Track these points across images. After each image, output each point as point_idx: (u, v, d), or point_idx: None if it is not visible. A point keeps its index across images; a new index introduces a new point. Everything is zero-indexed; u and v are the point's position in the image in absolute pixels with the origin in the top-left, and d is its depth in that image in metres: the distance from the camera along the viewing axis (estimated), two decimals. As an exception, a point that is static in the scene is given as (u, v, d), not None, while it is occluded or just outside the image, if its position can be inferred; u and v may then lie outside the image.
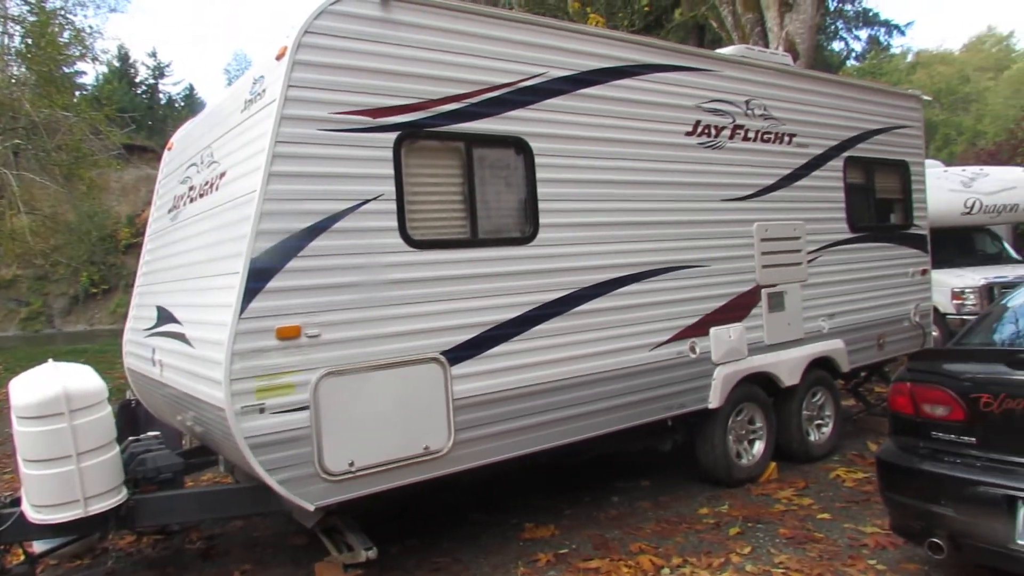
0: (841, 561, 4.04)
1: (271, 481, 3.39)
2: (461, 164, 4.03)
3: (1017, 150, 17.40)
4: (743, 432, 5.49)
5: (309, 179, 3.52)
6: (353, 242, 3.63)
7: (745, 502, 5.08)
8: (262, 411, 3.36)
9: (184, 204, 4.72)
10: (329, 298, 3.56)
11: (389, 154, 3.75)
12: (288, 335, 3.42)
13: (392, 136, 3.76)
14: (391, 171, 3.75)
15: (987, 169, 12.49)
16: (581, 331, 4.43)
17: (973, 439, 3.41)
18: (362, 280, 3.66)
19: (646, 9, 14.34)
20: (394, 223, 3.75)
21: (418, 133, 3.85)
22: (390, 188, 3.74)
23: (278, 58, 3.55)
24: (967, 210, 11.09)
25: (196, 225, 4.32)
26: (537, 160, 4.27)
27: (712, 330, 5.13)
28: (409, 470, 3.80)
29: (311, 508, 3.51)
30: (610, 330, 4.56)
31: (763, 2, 10.36)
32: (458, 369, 3.93)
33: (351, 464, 3.59)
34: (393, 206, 3.75)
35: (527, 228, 4.25)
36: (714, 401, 5.12)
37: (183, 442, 5.41)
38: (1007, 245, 12.15)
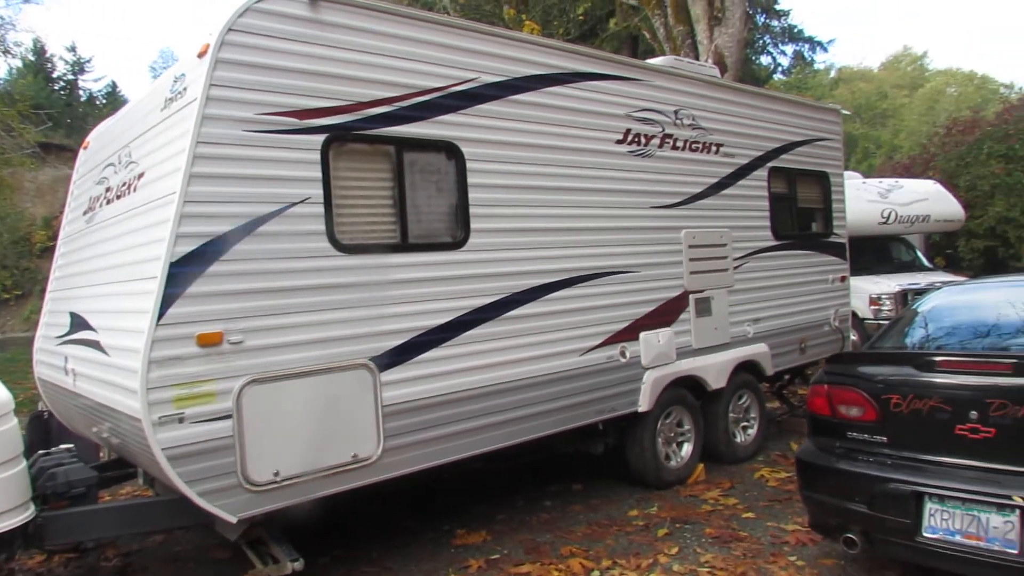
0: (764, 559, 4.16)
1: (191, 493, 3.27)
2: (391, 168, 4.00)
3: (929, 164, 18.30)
4: (672, 435, 5.59)
5: (232, 181, 3.42)
6: (279, 246, 3.55)
7: (674, 503, 5.17)
8: (181, 421, 3.24)
9: (100, 206, 4.53)
10: (253, 303, 3.47)
11: (317, 156, 3.68)
12: (209, 342, 3.32)
13: (320, 138, 3.70)
14: (318, 174, 3.68)
15: (902, 181, 13.14)
16: (513, 336, 4.44)
17: (884, 438, 3.56)
18: (288, 285, 3.57)
19: (581, 18, 14.55)
20: (322, 227, 3.68)
21: (347, 136, 3.80)
22: (317, 191, 3.68)
23: (200, 56, 3.44)
24: (884, 220, 11.63)
25: (113, 228, 4.15)
26: (469, 165, 4.26)
27: (642, 335, 5.22)
28: (337, 479, 3.73)
29: (234, 520, 3.40)
30: (542, 335, 4.58)
31: (693, 15, 10.64)
32: (388, 375, 3.88)
33: (276, 474, 3.50)
34: (321, 209, 3.68)
35: (458, 233, 4.24)
36: (644, 405, 5.20)
37: (100, 454, 5.17)
38: (920, 253, 12.79)
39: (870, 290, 10.30)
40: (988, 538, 3.10)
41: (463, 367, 4.20)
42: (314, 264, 3.66)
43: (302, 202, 3.62)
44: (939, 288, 4.86)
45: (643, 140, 5.31)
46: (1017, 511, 3.03)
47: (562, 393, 4.69)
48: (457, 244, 4.22)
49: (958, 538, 3.18)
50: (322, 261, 3.69)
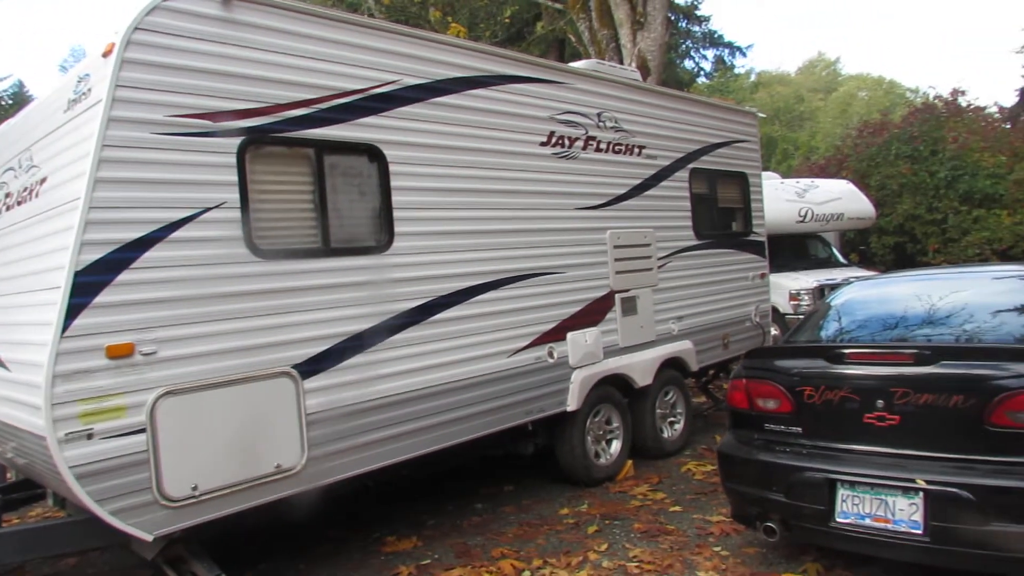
0: (690, 550, 4.26)
1: (102, 512, 3.13)
2: (311, 171, 3.92)
3: (843, 164, 19.12)
4: (601, 432, 5.67)
5: (142, 186, 3.29)
6: (193, 252, 3.43)
7: (603, 500, 5.24)
8: (90, 437, 3.09)
9: None
10: (167, 312, 3.34)
11: (232, 160, 3.58)
12: (119, 353, 3.18)
13: (235, 141, 3.59)
14: (235, 178, 3.58)
15: (817, 181, 13.70)
16: (439, 340, 4.42)
17: (800, 429, 3.70)
18: (204, 292, 3.46)
19: (507, 21, 14.60)
20: (239, 232, 3.58)
21: (264, 139, 3.71)
22: (234, 196, 3.57)
23: (105, 55, 3.30)
24: (801, 218, 12.09)
25: (13, 236, 3.93)
26: (391, 168, 4.22)
27: (569, 335, 5.27)
28: (260, 490, 3.63)
29: (150, 539, 3.27)
30: (469, 338, 4.58)
31: (617, 19, 10.82)
32: (311, 383, 3.80)
33: (194, 488, 3.38)
34: (237, 214, 3.58)
35: (382, 237, 4.19)
36: (572, 404, 5.26)
37: (8, 475, 4.90)
38: (836, 250, 13.36)
39: (789, 286, 10.70)
40: (895, 520, 3.26)
41: (389, 372, 4.16)
42: (231, 271, 3.56)
43: (217, 207, 3.51)
44: (850, 283, 5.08)
45: (567, 142, 5.37)
46: (920, 493, 3.20)
47: (490, 395, 4.70)
48: (381, 248, 4.17)
49: (868, 521, 3.33)
50: (240, 267, 3.59)
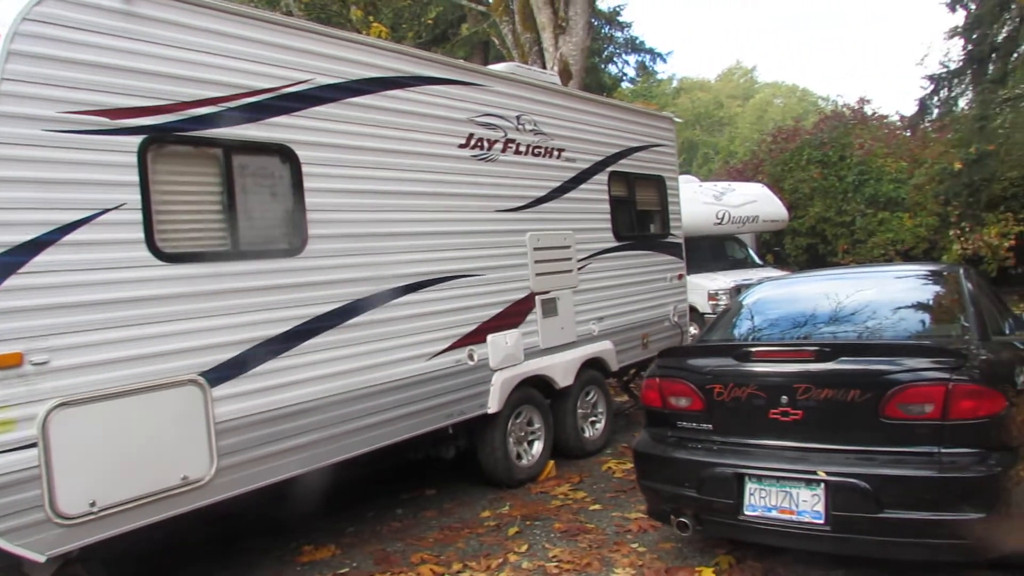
0: (608, 548, 4.32)
1: (-13, 533, 2.94)
2: (219, 172, 3.79)
3: (758, 168, 19.85)
4: (522, 434, 5.70)
5: (32, 186, 3.11)
6: (90, 256, 3.26)
7: (525, 501, 5.27)
8: (-27, 453, 2.91)
9: None
10: (61, 319, 3.16)
11: (133, 159, 3.43)
12: (7, 363, 2.99)
13: (136, 140, 3.44)
14: (135, 178, 3.42)
15: (734, 184, 14.16)
16: (356, 344, 4.35)
17: (710, 426, 3.80)
18: (102, 298, 3.30)
19: (430, 22, 14.53)
20: (140, 235, 3.43)
21: (167, 137, 3.56)
22: (135, 197, 3.42)
23: (-11, 48, 3.11)
24: (718, 220, 12.47)
25: None
26: (305, 169, 4.13)
27: (489, 337, 5.28)
28: (166, 503, 3.49)
29: (42, 559, 3.08)
30: (386, 341, 4.52)
31: (539, 23, 10.92)
32: (220, 390, 3.67)
33: (92, 504, 3.22)
34: (139, 216, 3.43)
35: (295, 240, 4.09)
36: (493, 406, 5.26)
37: None
38: (752, 251, 13.83)
39: (708, 286, 11.02)
40: (799, 511, 3.39)
41: (304, 377, 4.06)
42: (132, 275, 3.40)
43: (116, 208, 3.35)
44: (760, 283, 5.27)
45: (486, 145, 5.37)
46: (822, 485, 3.33)
47: (410, 399, 4.65)
48: (294, 251, 4.07)
49: (774, 513, 3.44)
50: (141, 271, 3.43)
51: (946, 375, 3.21)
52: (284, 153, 4.05)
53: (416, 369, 4.71)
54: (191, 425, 3.57)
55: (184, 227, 3.68)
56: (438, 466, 5.83)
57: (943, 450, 3.19)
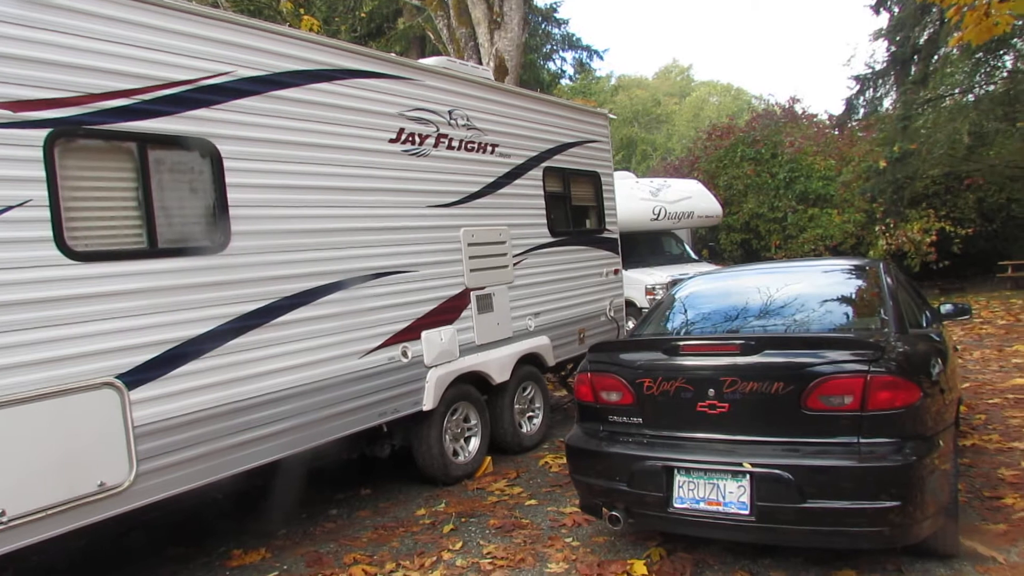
0: (542, 543, 4.32)
1: None
2: (134, 167, 3.62)
3: (694, 165, 20.24)
4: (459, 431, 5.66)
5: (-76, 180, 2.92)
6: (-8, 255, 3.09)
7: (461, 498, 5.24)
8: None
9: None
10: (-40, 322, 2.99)
11: (39, 154, 3.25)
12: (-101, 370, 2.81)
13: (42, 133, 3.26)
14: (42, 173, 3.25)
15: (670, 181, 14.37)
16: (284, 342, 4.24)
17: (640, 419, 3.84)
18: (8, 299, 3.11)
19: (364, 16, 14.29)
20: (48, 233, 3.26)
21: (77, 131, 3.39)
22: (41, 193, 3.24)
23: None
24: (655, 216, 12.64)
25: None
26: (226, 164, 3.99)
27: (424, 334, 5.22)
28: (83, 511, 3.33)
29: (-59, 575, 2.92)
30: (316, 340, 4.42)
31: (474, 18, 10.86)
32: (139, 393, 3.52)
33: (2, 514, 3.05)
34: (46, 213, 3.25)
35: (217, 236, 3.96)
36: (428, 403, 5.21)
37: None
38: (688, 247, 14.09)
39: (645, 281, 11.17)
40: (725, 502, 3.44)
41: (229, 378, 3.93)
42: (40, 275, 3.23)
43: (21, 205, 3.17)
44: (691, 277, 5.35)
45: (418, 139, 5.30)
46: (747, 476, 3.39)
47: (342, 398, 4.56)
48: (216, 248, 3.94)
49: (702, 505, 3.49)
50: (50, 271, 3.26)
51: (864, 367, 3.30)
52: (204, 147, 3.91)
53: (348, 367, 4.62)
54: (108, 429, 3.41)
55: (97, 224, 3.51)
56: (373, 465, 5.75)
57: (862, 440, 3.29)
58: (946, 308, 5.08)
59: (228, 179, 3.98)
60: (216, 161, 3.94)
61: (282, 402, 4.20)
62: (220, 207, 3.96)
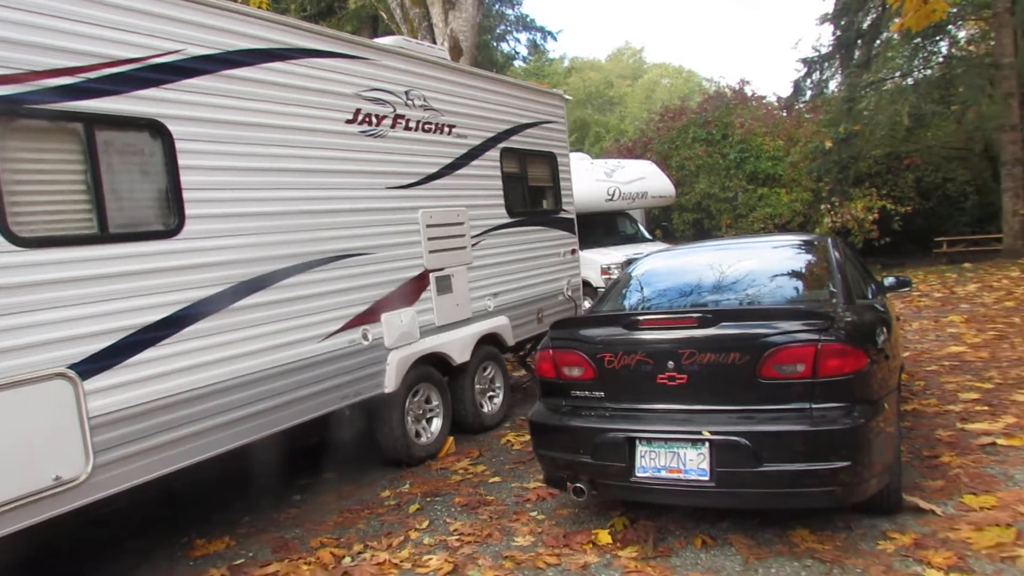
0: (508, 518, 4.38)
1: None
2: (81, 148, 3.51)
3: (647, 146, 20.47)
4: (421, 412, 5.68)
5: None
6: (-67, 241, 2.98)
7: (425, 479, 5.26)
8: None
9: None
10: (-98, 311, 2.88)
11: (-22, 135, 3.14)
12: None
13: (-20, 113, 3.15)
14: (-18, 155, 3.14)
15: (624, 162, 14.52)
16: (243, 327, 4.18)
17: (602, 393, 3.91)
18: (-49, 287, 3.02)
19: (315, -5, 14.03)
20: (-10, 218, 3.15)
21: (18, 110, 3.27)
22: (-18, 175, 3.14)
23: None
24: (610, 197, 12.76)
25: None
26: (179, 145, 3.90)
27: (384, 316, 5.21)
28: (38, 506, 3.25)
29: None
30: (276, 324, 4.37)
31: (427, -2, 10.75)
32: (93, 383, 3.44)
33: (-49, 511, 2.97)
34: (-12, 198, 3.15)
35: (171, 220, 3.87)
36: (390, 385, 5.20)
37: None
38: (642, 227, 14.27)
39: (600, 261, 11.30)
40: (686, 470, 3.55)
41: (188, 365, 3.87)
42: (-15, 261, 3.13)
43: (-38, 189, 3.07)
44: (647, 255, 5.44)
45: (375, 120, 5.25)
46: (706, 444, 3.50)
47: (303, 382, 4.53)
48: (170, 232, 3.85)
49: (663, 473, 3.59)
50: (-5, 257, 3.16)
51: (815, 336, 3.43)
52: (155, 128, 3.81)
53: (308, 351, 4.59)
54: (61, 421, 3.33)
55: (44, 209, 3.40)
56: (336, 449, 5.73)
57: (814, 406, 3.42)
58: (889, 281, 5.28)
59: (181, 161, 3.89)
60: (168, 143, 3.85)
61: (242, 388, 4.15)
62: (173, 190, 3.87)
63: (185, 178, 3.91)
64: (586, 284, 9.93)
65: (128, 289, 3.62)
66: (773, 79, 76.83)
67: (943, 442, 4.85)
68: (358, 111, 5.12)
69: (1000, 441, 4.73)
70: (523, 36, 23.65)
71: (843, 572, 3.29)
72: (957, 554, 3.30)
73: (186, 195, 3.92)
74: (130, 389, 3.60)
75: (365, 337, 5.04)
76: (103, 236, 3.55)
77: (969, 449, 4.65)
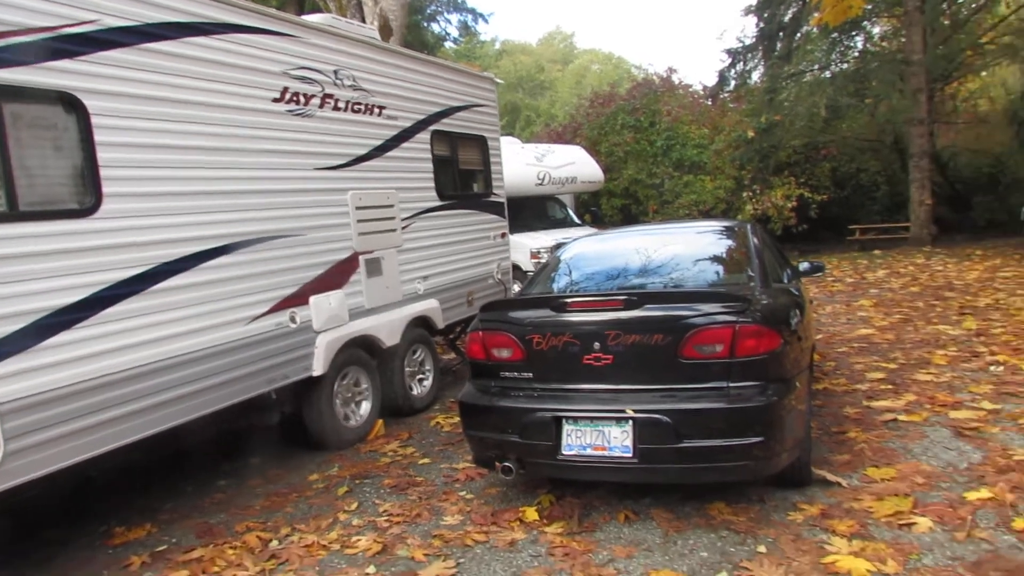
0: (437, 498, 4.43)
1: None
2: (-13, 122, 3.34)
3: (577, 132, 20.67)
4: (350, 395, 5.65)
5: None
6: None
7: (354, 461, 5.26)
8: None
9: None
10: None
11: None
12: None
13: None
14: None
15: (554, 147, 14.65)
16: (164, 310, 4.06)
17: (530, 374, 3.99)
18: None
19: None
20: None
21: (-82, 80, 3.09)
22: None
23: None
24: (540, 181, 12.87)
25: None
26: (95, 120, 3.74)
27: (312, 299, 5.15)
28: (-58, 495, 3.12)
29: None
30: (199, 307, 4.27)
31: (356, -24, 10.54)
32: (3, 367, 3.30)
33: None
34: None
35: (87, 199, 3.72)
36: (318, 369, 5.16)
37: None
38: (571, 211, 14.45)
39: (530, 245, 11.41)
40: (611, 447, 3.67)
41: (104, 349, 3.74)
42: None
43: None
44: (576, 239, 5.55)
45: (303, 99, 5.16)
46: (630, 422, 3.62)
47: (227, 366, 4.44)
48: (87, 211, 3.70)
49: (589, 451, 3.70)
50: None
51: (733, 318, 3.59)
52: (69, 102, 3.64)
53: (234, 334, 4.50)
54: (-31, 406, 3.19)
55: (-54, 184, 3.23)
56: (263, 433, 5.65)
57: (731, 384, 3.58)
58: (804, 266, 5.55)
59: (98, 137, 3.73)
60: (83, 117, 3.68)
61: (163, 372, 4.05)
62: (89, 167, 3.72)
63: (102, 155, 3.76)
64: (516, 268, 10.02)
65: (40, 270, 3.46)
66: (699, 68, 78.55)
67: (850, 419, 5.15)
68: (285, 89, 5.01)
69: (901, 417, 5.06)
70: (454, 17, 23.46)
71: (756, 542, 3.47)
72: (859, 522, 3.54)
73: (103, 172, 3.77)
74: (43, 374, 3.47)
75: (293, 320, 4.97)
76: (13, 214, 3.38)
77: (873, 425, 4.96)
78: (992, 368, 6.12)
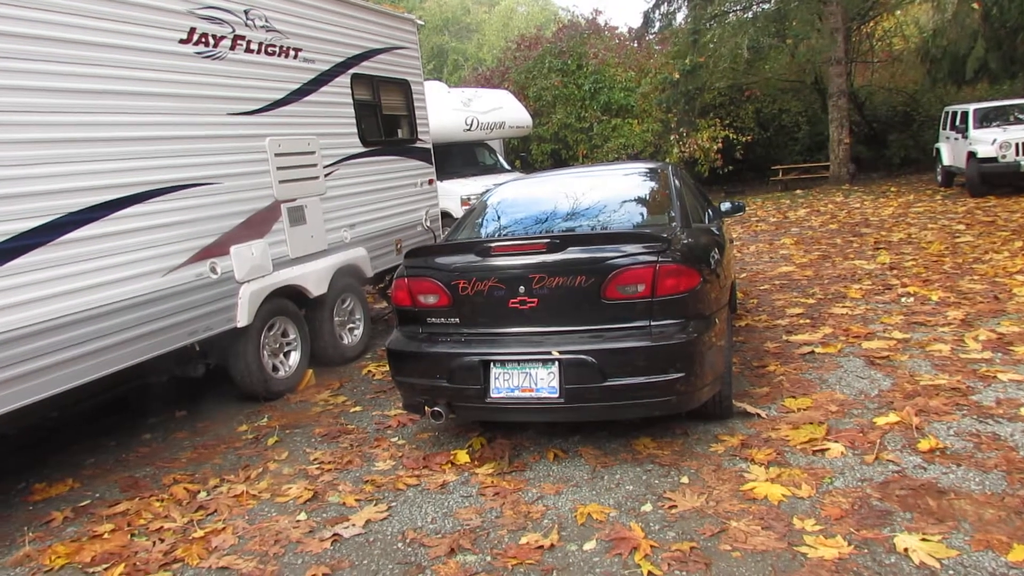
0: (368, 445, 4.46)
1: None
2: None
3: (505, 76, 20.40)
4: (278, 346, 5.58)
5: None
6: None
7: (284, 412, 5.23)
8: None
9: None
10: None
11: None
12: None
13: None
14: None
15: (481, 91, 14.42)
16: (73, 262, 3.89)
17: (457, 319, 4.01)
18: None
19: None
20: None
21: None
22: None
23: None
24: (467, 127, 12.71)
25: None
26: (-17, 62, 3.49)
27: (233, 248, 5.01)
28: None
29: None
30: (110, 258, 4.10)
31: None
32: None
33: None
34: None
35: (-22, 145, 3.50)
36: (242, 320, 5.06)
37: None
38: (500, 157, 14.36)
39: (460, 192, 11.31)
40: (537, 388, 3.75)
41: (10, 303, 3.57)
42: None
43: None
44: (501, 184, 5.54)
45: (212, 41, 4.91)
46: (556, 363, 3.70)
47: (144, 319, 4.31)
48: (-22, 159, 3.49)
49: (516, 393, 3.78)
50: None
51: (654, 258, 3.67)
52: (-49, 41, 3.38)
53: (150, 286, 4.35)
54: None
55: None
56: (188, 386, 5.54)
57: (653, 323, 3.69)
58: (725, 206, 5.69)
59: (-13, 79, 3.49)
60: (-32, 58, 3.43)
61: (76, 326, 3.90)
62: (-22, 111, 3.48)
63: (-7, 99, 3.52)
64: (445, 215, 9.95)
65: (-69, 223, 3.26)
66: (625, 10, 78.03)
67: (770, 353, 5.39)
68: (193, 30, 4.76)
69: (818, 350, 5.33)
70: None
71: (679, 473, 3.63)
72: (776, 451, 3.74)
73: (-3, 118, 3.53)
74: (-57, 333, 3.30)
75: (213, 270, 4.84)
76: None
77: (792, 358, 5.21)
78: (903, 299, 6.49)
